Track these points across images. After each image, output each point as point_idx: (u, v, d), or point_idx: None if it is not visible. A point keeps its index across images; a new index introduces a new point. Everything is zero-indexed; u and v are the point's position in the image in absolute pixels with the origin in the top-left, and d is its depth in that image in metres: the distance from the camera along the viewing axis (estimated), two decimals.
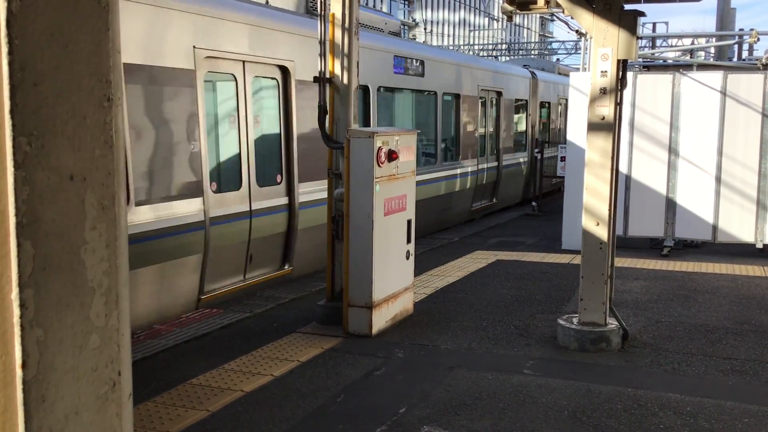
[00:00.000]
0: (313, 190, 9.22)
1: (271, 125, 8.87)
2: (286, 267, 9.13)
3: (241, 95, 8.30)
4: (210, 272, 7.81)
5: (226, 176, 8.23)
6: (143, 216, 6.96)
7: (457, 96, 14.17)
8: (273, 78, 8.83)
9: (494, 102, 16.14)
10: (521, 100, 17.89)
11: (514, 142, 17.53)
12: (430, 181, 12.89)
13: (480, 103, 15.23)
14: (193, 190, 7.52)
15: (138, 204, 6.93)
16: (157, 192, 7.15)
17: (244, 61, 8.25)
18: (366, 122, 10.95)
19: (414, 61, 12.37)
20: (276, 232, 8.83)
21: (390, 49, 11.70)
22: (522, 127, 18.29)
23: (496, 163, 16.22)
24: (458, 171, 14.17)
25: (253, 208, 8.41)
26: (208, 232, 7.69)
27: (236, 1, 8.37)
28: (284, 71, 8.90)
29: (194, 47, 7.48)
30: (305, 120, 9.08)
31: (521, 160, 17.95)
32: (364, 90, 10.82)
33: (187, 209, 7.43)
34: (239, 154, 8.33)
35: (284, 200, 8.93)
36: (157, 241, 7.13)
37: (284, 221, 8.95)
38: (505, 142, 16.65)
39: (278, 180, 8.91)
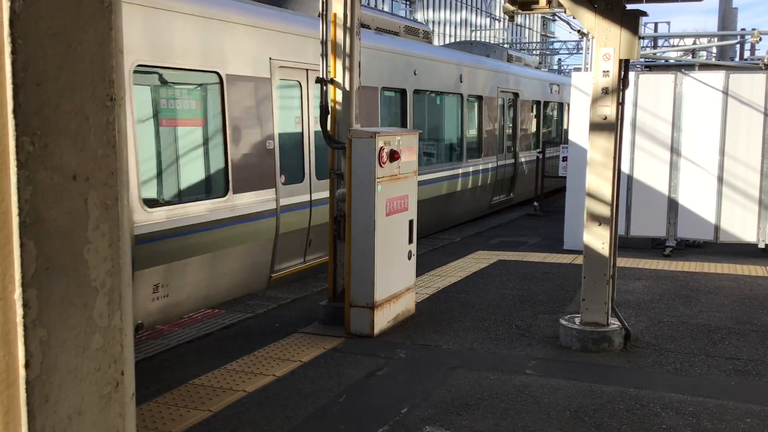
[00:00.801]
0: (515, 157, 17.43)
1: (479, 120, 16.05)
2: (511, 195, 17.33)
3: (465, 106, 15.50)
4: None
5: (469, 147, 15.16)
6: None
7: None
8: (478, 97, 15.68)
9: None
10: None
11: None
12: (550, 157, 19.49)
13: None
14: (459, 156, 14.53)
15: None
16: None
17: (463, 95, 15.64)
18: (538, 124, 19.40)
19: (555, 85, 21.15)
20: (508, 176, 17.20)
21: (547, 79, 20.94)
22: None
23: None
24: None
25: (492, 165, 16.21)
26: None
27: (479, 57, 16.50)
28: (479, 98, 15.63)
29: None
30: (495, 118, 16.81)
31: None
32: (538, 103, 19.17)
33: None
34: (483, 136, 15.82)
35: (513, 159, 17.20)
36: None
37: (512, 170, 17.34)
38: None
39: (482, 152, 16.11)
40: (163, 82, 7.29)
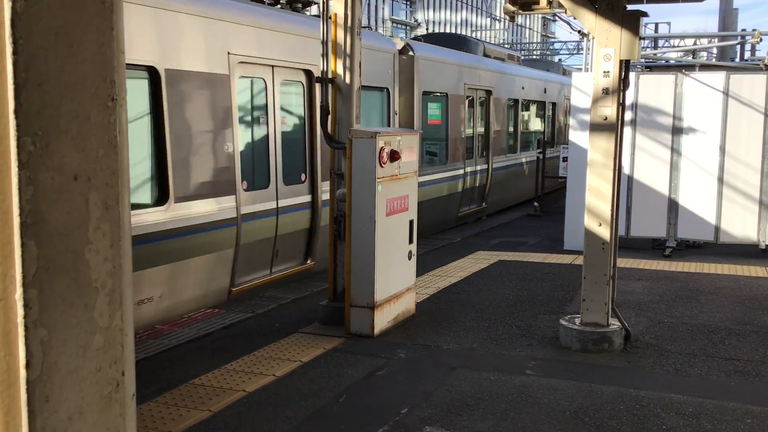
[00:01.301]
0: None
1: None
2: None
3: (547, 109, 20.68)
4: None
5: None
6: None
7: None
8: (553, 104, 21.21)
9: None
10: None
11: None
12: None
13: None
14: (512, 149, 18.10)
15: None
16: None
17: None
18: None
19: None
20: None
21: None
22: None
23: None
24: None
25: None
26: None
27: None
28: (554, 104, 21.33)
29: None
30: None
31: None
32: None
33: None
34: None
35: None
36: None
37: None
38: None
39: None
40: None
